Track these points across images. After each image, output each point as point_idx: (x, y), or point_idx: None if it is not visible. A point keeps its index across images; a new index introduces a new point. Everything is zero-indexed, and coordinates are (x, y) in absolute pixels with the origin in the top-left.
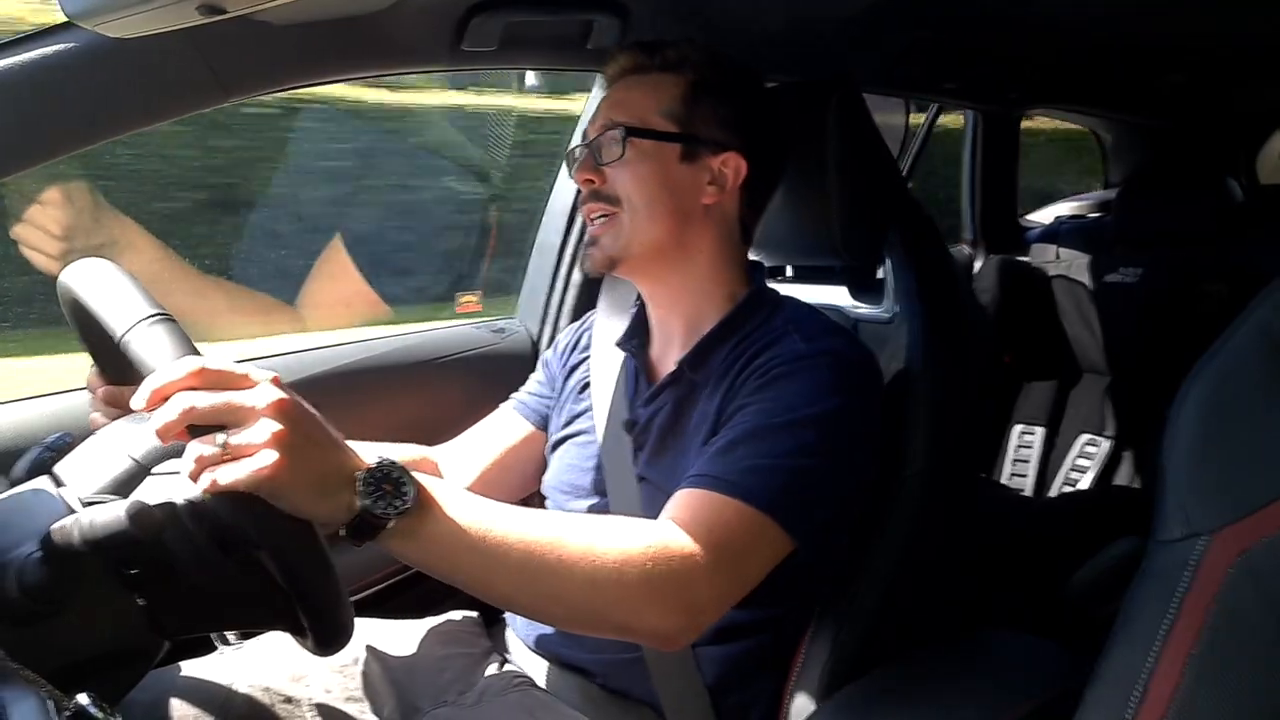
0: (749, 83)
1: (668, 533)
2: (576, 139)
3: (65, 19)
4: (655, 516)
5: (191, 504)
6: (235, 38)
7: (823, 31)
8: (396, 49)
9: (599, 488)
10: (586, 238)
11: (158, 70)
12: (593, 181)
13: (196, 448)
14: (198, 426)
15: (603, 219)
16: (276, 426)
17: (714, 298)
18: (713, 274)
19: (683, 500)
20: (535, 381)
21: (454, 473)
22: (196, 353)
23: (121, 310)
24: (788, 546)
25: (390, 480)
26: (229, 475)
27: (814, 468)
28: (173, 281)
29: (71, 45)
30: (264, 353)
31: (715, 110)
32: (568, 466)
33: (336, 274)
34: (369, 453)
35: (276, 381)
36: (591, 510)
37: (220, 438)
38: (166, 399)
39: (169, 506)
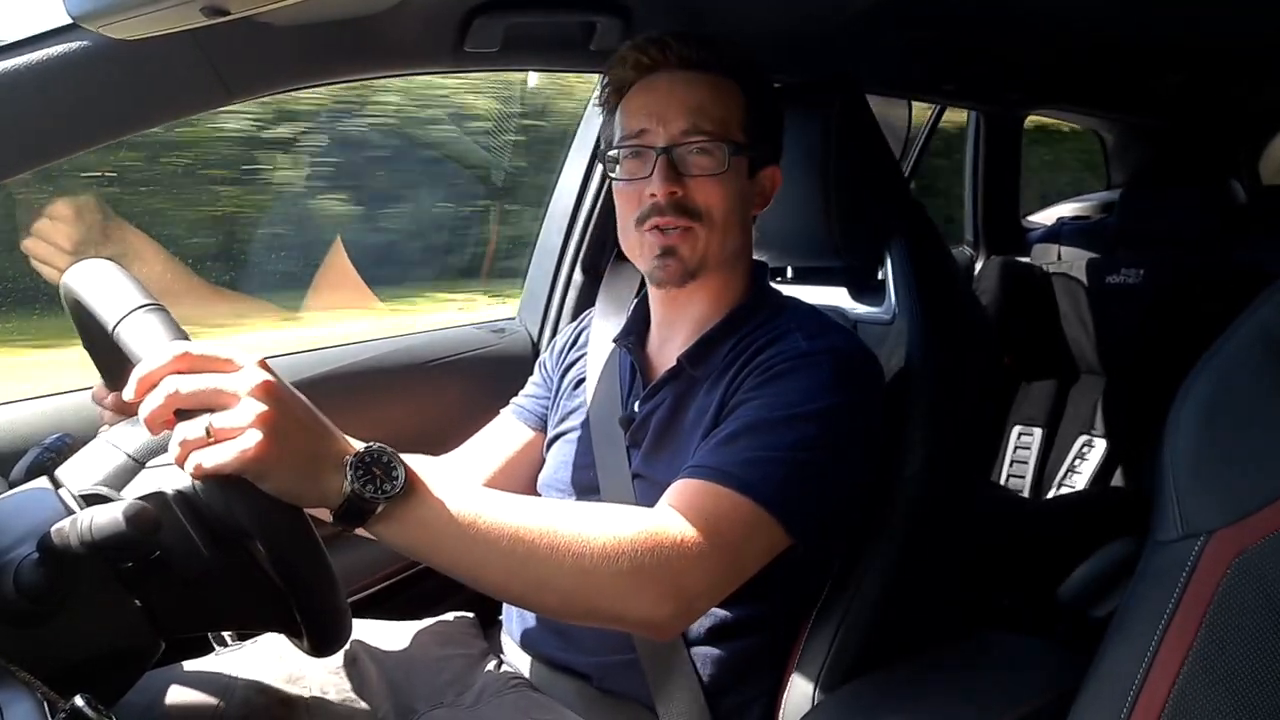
0: (775, 92)
1: (661, 520)
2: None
3: (69, 20)
4: None
5: (182, 494)
6: (239, 39)
7: (824, 32)
8: (399, 50)
9: (592, 484)
10: (660, 248)
11: (161, 72)
12: (676, 193)
13: (182, 430)
14: (185, 411)
15: (679, 230)
16: (261, 408)
17: (722, 298)
18: (734, 278)
19: (678, 490)
20: (532, 384)
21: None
22: (186, 338)
23: (114, 302)
24: (784, 540)
25: (380, 464)
26: (214, 458)
27: (813, 462)
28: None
29: (75, 47)
30: (265, 353)
31: (764, 123)
32: (562, 463)
33: (339, 274)
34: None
35: (263, 364)
36: None
37: (205, 419)
38: (155, 386)
39: (159, 496)
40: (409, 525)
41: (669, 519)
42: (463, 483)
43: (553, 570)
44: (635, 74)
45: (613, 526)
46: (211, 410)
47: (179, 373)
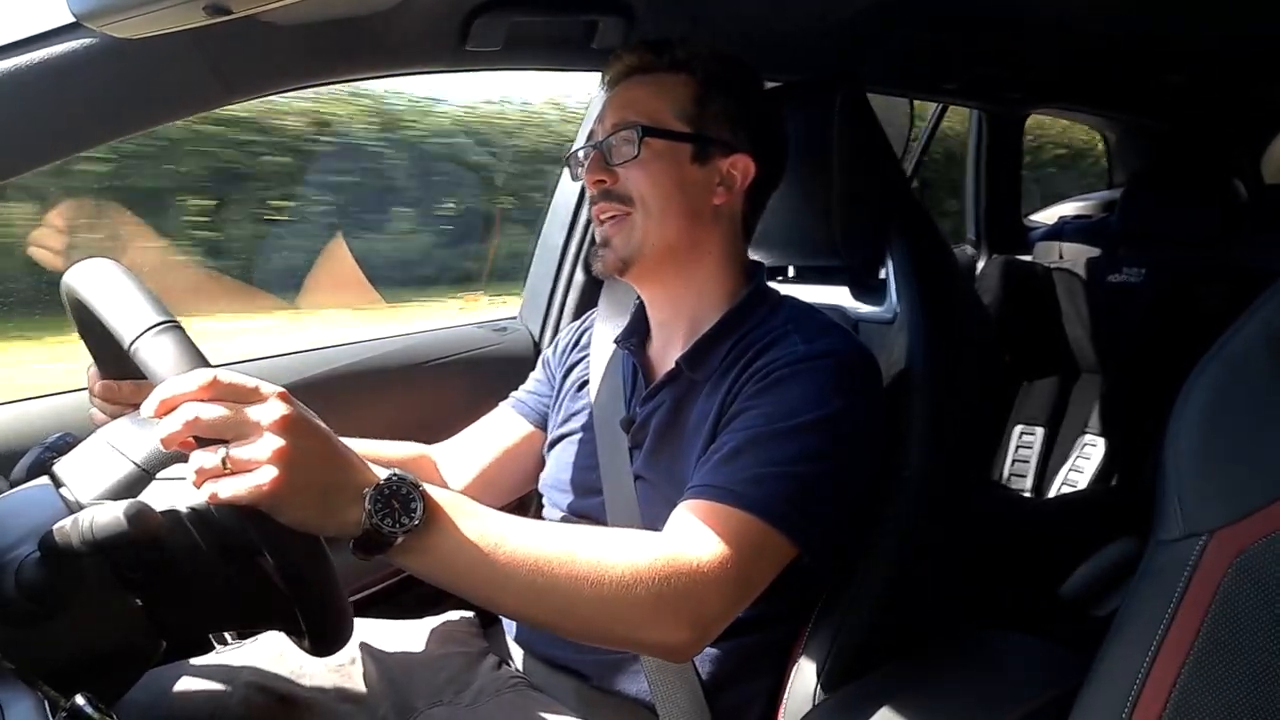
0: (754, 83)
1: (675, 546)
2: (579, 141)
3: (72, 19)
4: (651, 514)
5: (195, 510)
6: (240, 38)
7: (826, 31)
8: (400, 50)
9: (595, 486)
10: (598, 239)
11: (163, 71)
12: (604, 182)
13: (199, 458)
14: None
15: (614, 218)
16: (279, 443)
17: (715, 297)
18: (717, 274)
19: (688, 511)
20: (534, 380)
21: (453, 471)
22: (205, 360)
23: (130, 317)
24: (792, 553)
25: (399, 496)
26: (229, 490)
27: (818, 472)
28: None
29: (77, 46)
30: (267, 352)
31: (725, 111)
32: (565, 465)
33: (338, 267)
34: (377, 452)
35: (285, 396)
36: (588, 508)
37: (222, 451)
38: (176, 409)
39: (173, 513)
40: (428, 555)
41: (683, 544)
42: (482, 508)
43: (571, 599)
44: (608, 88)
45: (629, 554)
46: (230, 440)
47: (202, 400)
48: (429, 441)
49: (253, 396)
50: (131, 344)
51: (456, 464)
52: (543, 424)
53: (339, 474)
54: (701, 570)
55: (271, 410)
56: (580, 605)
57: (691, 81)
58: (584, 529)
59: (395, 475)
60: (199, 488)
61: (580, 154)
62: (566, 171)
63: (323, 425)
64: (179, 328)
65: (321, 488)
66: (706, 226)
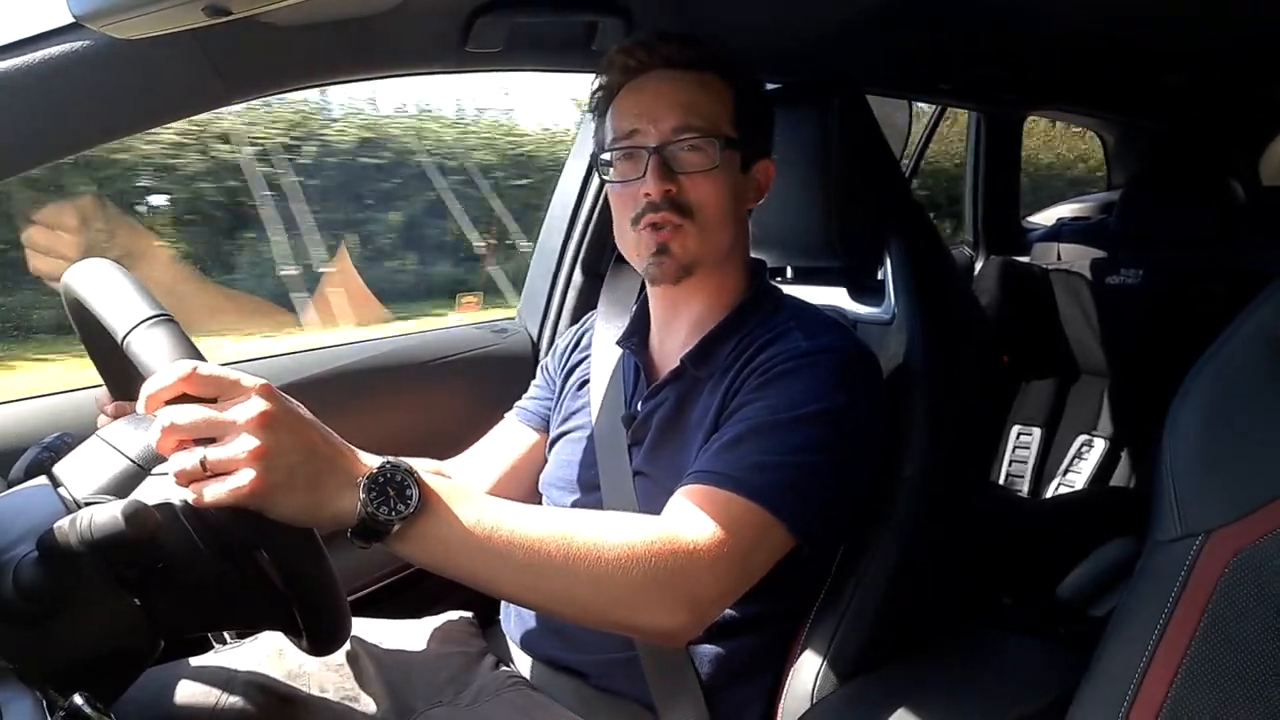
0: (763, 84)
1: (672, 529)
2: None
3: (72, 19)
4: (650, 510)
5: (189, 504)
6: (240, 39)
7: (824, 32)
8: (401, 51)
9: (594, 483)
10: (653, 246)
11: (163, 71)
12: (672, 191)
13: (178, 461)
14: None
15: (672, 228)
16: (254, 443)
17: (721, 296)
18: (733, 274)
19: (687, 496)
20: (534, 387)
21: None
22: (196, 353)
23: (123, 312)
24: (790, 543)
25: (394, 484)
26: (211, 493)
27: (818, 464)
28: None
29: (78, 46)
30: (268, 352)
31: (757, 116)
32: (564, 462)
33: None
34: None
35: (266, 389)
36: (586, 504)
37: (200, 453)
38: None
39: (168, 508)
40: (425, 542)
41: (680, 526)
42: (478, 494)
43: (569, 581)
44: (623, 76)
45: (626, 535)
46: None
47: (185, 392)
48: (428, 441)
49: (233, 390)
50: (124, 338)
51: (469, 478)
52: (547, 429)
53: (328, 465)
54: (698, 552)
55: (249, 407)
56: (577, 587)
57: (733, 86)
58: (581, 512)
59: (389, 463)
60: (185, 486)
61: (615, 156)
62: (566, 174)
63: (306, 416)
64: (171, 321)
65: (308, 483)
66: (739, 231)
